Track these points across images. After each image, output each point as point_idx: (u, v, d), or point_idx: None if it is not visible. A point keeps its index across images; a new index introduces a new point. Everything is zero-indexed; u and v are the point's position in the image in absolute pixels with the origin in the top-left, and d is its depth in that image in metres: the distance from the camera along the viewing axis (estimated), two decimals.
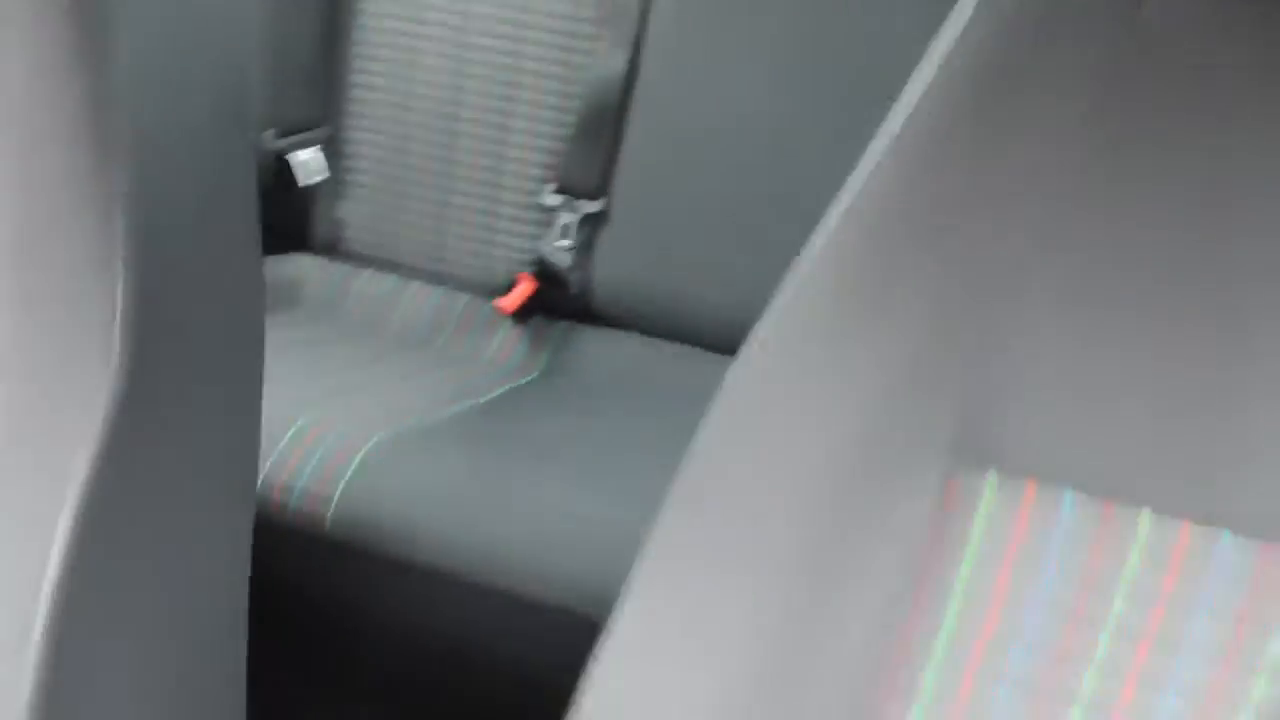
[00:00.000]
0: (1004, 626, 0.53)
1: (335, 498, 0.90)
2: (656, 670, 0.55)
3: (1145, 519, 0.51)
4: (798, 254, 0.55)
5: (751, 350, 0.55)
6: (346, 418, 0.96)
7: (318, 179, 1.28)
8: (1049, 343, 0.52)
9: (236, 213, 0.65)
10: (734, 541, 0.55)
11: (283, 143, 1.26)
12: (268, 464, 0.91)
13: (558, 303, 1.21)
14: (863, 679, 0.54)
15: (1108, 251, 0.51)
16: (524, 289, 1.20)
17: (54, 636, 0.59)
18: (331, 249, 1.30)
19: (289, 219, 1.29)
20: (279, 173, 1.26)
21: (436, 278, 1.26)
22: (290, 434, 0.93)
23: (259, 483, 0.91)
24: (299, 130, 1.27)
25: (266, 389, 0.90)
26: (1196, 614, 0.50)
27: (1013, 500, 0.53)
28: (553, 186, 1.20)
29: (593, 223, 1.19)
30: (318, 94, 1.28)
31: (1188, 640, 0.51)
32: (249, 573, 0.72)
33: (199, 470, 0.68)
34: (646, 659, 0.55)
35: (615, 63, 1.17)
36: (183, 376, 0.64)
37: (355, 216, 1.30)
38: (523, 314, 1.22)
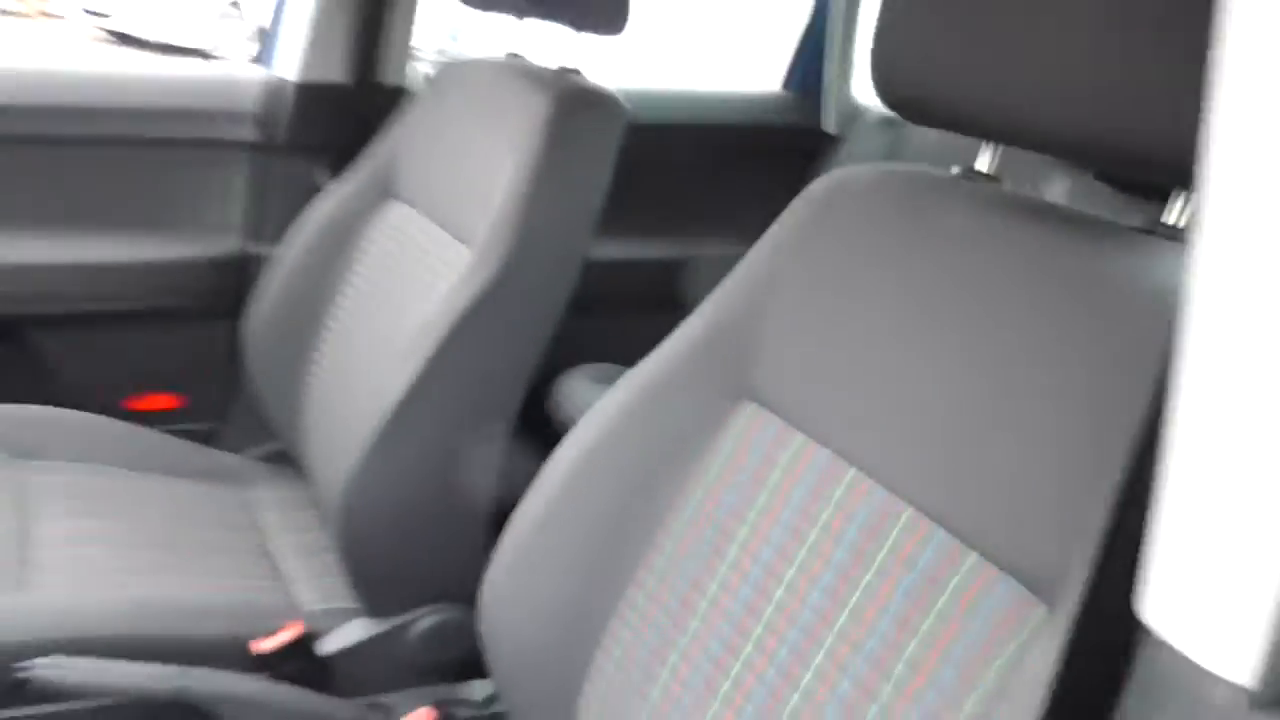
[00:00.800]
0: (711, 514, 0.77)
1: None
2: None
3: (797, 440, 0.73)
4: None
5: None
6: None
7: None
8: (789, 335, 0.77)
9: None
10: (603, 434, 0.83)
11: None
12: None
13: None
14: (640, 542, 0.81)
15: (831, 310, 0.76)
16: None
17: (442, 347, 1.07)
18: None
19: None
20: None
21: None
22: None
23: None
24: None
25: None
26: (814, 523, 0.72)
27: (749, 426, 0.76)
28: None
29: None
30: None
31: (794, 542, 0.72)
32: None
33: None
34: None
35: None
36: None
37: None
38: None
